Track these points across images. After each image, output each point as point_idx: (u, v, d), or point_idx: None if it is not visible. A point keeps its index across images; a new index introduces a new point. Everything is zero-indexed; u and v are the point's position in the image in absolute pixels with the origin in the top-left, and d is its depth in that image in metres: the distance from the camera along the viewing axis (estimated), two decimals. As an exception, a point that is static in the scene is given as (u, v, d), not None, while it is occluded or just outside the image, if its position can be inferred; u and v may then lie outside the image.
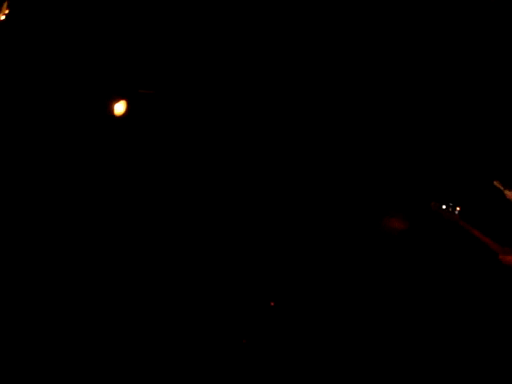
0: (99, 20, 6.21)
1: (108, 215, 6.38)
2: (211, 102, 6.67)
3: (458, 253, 6.02)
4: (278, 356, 6.15)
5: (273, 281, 6.58)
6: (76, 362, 5.81)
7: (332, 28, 6.25)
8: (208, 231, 6.56)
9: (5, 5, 5.65)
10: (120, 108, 6.31)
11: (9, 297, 6.01)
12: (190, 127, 6.66)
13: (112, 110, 6.27)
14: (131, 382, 5.79)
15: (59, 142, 6.23)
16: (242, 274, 6.54)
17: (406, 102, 6.39)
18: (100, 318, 6.16)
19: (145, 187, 6.52)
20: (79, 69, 6.22)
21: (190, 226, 6.53)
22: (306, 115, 6.64)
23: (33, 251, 6.17)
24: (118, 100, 6.29)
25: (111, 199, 6.41)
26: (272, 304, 6.49)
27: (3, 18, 5.69)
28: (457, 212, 5.08)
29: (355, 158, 6.64)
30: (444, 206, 5.11)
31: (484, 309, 6.00)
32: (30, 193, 6.16)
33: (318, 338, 6.30)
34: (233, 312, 6.37)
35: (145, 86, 6.45)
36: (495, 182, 4.92)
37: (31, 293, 6.10)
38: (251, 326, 6.33)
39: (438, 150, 6.37)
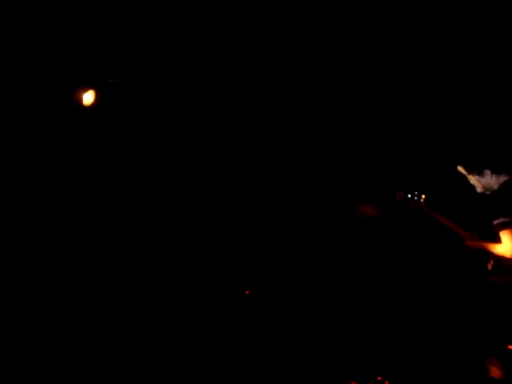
0: (66, 8, 6.12)
1: (77, 208, 6.34)
2: (182, 92, 6.62)
3: (425, 239, 6.02)
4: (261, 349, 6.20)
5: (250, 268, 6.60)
6: (76, 362, 5.80)
7: (332, 28, 6.21)
8: (180, 222, 6.56)
9: None
10: (89, 98, 6.24)
11: (9, 297, 5.99)
12: (160, 117, 6.62)
13: (80, 100, 6.20)
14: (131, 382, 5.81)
15: (26, 134, 6.16)
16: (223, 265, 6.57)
17: (372, 96, 6.39)
18: (100, 318, 6.17)
19: (115, 179, 6.48)
20: (46, 58, 6.13)
21: (156, 216, 6.52)
22: (278, 104, 6.63)
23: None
24: (86, 90, 6.22)
25: (80, 191, 6.36)
26: (247, 292, 6.51)
27: None
28: (422, 200, 5.05)
29: (330, 148, 6.65)
30: (409, 195, 5.08)
31: (454, 293, 6.03)
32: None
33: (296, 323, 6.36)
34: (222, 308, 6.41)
35: (114, 75, 6.38)
36: (459, 168, 4.89)
37: (31, 293, 6.10)
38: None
39: (404, 139, 6.38)
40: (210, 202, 6.71)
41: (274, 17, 6.12)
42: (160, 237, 6.57)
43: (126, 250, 6.47)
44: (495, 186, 4.75)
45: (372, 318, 6.32)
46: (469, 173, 4.85)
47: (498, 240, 4.59)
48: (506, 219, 4.53)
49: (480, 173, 4.78)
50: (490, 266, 4.76)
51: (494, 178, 4.75)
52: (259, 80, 6.57)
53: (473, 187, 4.87)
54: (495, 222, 4.57)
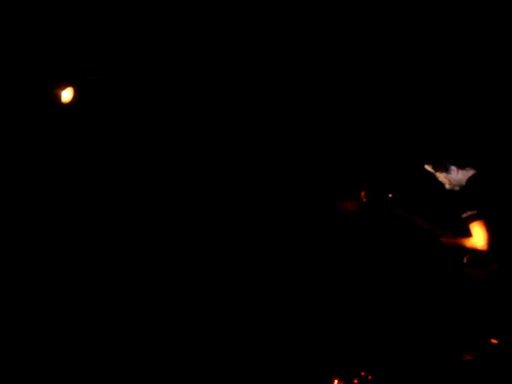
0: (43, 5, 6.06)
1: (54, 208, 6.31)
2: (163, 89, 6.58)
3: (402, 238, 6.02)
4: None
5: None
6: (76, 362, 5.83)
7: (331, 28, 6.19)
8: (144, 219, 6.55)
9: None
10: (67, 95, 6.19)
11: (9, 297, 6.00)
12: (140, 114, 6.58)
13: (58, 98, 6.15)
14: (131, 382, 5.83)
15: (1, 133, 6.12)
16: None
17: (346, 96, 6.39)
18: (100, 318, 6.18)
19: (94, 178, 6.45)
20: (23, 55, 6.08)
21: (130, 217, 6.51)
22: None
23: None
24: (64, 87, 6.17)
25: (58, 191, 6.33)
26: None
27: None
28: (390, 199, 5.05)
29: (314, 147, 6.65)
30: (377, 194, 5.08)
31: (432, 289, 6.03)
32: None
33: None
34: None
35: (92, 71, 6.33)
36: (426, 166, 4.91)
37: (31, 293, 6.11)
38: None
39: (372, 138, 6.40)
40: (193, 198, 6.70)
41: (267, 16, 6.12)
42: (148, 237, 6.56)
43: (114, 249, 6.47)
44: (463, 182, 4.80)
45: (352, 313, 6.33)
46: (436, 171, 4.88)
47: (469, 233, 4.63)
48: (474, 212, 4.58)
49: (447, 170, 4.82)
50: (465, 260, 4.78)
51: (460, 173, 4.80)
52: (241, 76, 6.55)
53: (442, 184, 4.89)
54: (464, 216, 4.62)
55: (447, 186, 4.88)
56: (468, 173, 4.78)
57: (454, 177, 4.80)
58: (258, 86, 6.58)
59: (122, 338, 6.10)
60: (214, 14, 6.16)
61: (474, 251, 4.65)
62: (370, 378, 5.93)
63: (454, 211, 4.74)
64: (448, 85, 6.12)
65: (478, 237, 4.56)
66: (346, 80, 6.33)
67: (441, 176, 4.87)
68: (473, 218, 4.58)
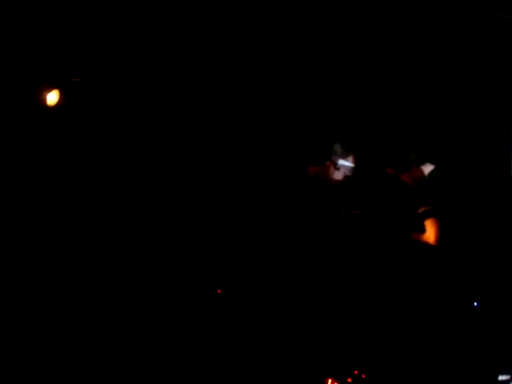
0: (28, 6, 6.05)
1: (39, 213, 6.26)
2: (150, 91, 6.57)
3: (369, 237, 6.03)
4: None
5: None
6: (76, 362, 5.76)
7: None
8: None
9: None
10: (52, 98, 6.17)
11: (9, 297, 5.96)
12: (127, 117, 6.56)
13: (44, 101, 6.12)
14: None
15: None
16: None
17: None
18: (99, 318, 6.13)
19: (80, 182, 6.41)
20: (7, 56, 6.05)
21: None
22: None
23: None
24: (50, 89, 6.14)
25: (43, 196, 6.28)
26: (219, 291, 6.49)
27: None
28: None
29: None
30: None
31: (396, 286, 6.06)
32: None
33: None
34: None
35: (78, 74, 6.31)
36: (387, 169, 4.98)
37: (31, 293, 6.05)
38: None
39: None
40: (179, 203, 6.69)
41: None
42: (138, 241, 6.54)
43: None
44: (423, 178, 4.90)
45: (338, 312, 6.34)
46: (397, 171, 4.93)
47: (423, 229, 4.75)
48: (427, 208, 4.67)
49: (408, 169, 4.87)
50: (427, 255, 4.83)
51: (421, 170, 4.90)
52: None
53: (406, 184, 4.96)
54: (419, 212, 4.72)
55: (411, 185, 4.95)
56: (427, 169, 4.87)
57: (415, 175, 4.87)
58: (254, 86, 6.61)
59: (122, 338, 6.05)
60: (207, 13, 6.19)
61: (430, 247, 4.71)
62: (363, 376, 5.92)
63: (415, 208, 4.79)
64: (406, 85, 6.19)
65: (429, 232, 4.67)
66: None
67: (404, 175, 4.92)
68: (425, 215, 4.65)
